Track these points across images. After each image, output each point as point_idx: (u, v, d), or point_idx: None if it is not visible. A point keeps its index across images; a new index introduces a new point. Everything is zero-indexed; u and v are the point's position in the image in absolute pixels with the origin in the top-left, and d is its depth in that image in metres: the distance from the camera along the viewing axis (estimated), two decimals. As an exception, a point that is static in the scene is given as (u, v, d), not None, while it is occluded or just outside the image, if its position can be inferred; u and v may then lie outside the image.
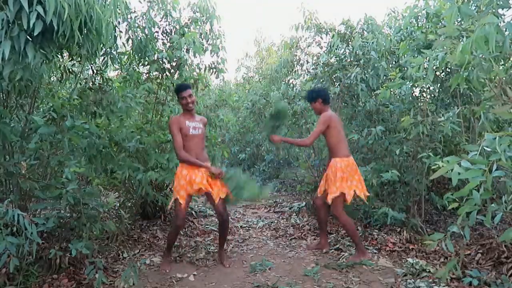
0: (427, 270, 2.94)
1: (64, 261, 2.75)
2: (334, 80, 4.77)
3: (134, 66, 4.19)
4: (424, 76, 3.28)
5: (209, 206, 5.42)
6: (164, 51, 3.99)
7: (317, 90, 3.62)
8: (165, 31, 4.14)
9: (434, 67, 3.24)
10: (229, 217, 3.44)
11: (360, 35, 4.53)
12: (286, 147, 7.89)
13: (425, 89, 4.07)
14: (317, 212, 3.69)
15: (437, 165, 1.79)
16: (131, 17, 3.53)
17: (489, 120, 2.90)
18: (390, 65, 4.39)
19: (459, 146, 3.87)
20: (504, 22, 2.22)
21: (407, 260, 3.15)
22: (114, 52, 3.50)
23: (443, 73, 3.84)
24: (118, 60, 3.63)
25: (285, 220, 4.89)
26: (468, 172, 1.58)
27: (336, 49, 4.68)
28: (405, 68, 3.94)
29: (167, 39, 4.15)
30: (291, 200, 6.20)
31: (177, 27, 4.10)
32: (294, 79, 6.24)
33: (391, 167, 3.88)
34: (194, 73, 4.41)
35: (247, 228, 4.61)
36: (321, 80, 4.84)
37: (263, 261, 3.33)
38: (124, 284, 2.74)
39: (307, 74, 5.68)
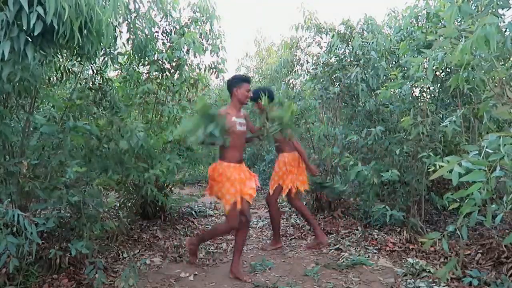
0: (427, 270, 2.94)
1: (64, 261, 2.75)
2: (334, 80, 4.77)
3: (134, 66, 4.19)
4: (424, 76, 3.28)
5: (210, 206, 5.43)
6: (164, 51, 3.99)
7: (263, 88, 3.67)
8: (165, 31, 4.14)
9: (434, 67, 3.23)
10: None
11: (360, 35, 4.53)
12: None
13: (425, 89, 4.07)
14: (299, 212, 3.79)
15: (436, 166, 1.79)
16: (130, 17, 3.53)
17: (491, 120, 2.90)
18: (390, 65, 4.39)
19: (459, 146, 3.86)
20: (504, 22, 2.22)
21: (407, 260, 3.15)
22: (114, 52, 3.50)
23: (443, 73, 3.84)
24: (118, 60, 3.62)
25: (285, 220, 4.89)
26: (471, 174, 1.58)
27: (336, 49, 4.68)
28: (405, 68, 3.94)
29: (167, 39, 4.15)
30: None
31: (177, 27, 4.10)
32: (294, 79, 6.24)
33: (391, 167, 3.88)
34: (194, 73, 4.40)
35: (247, 228, 4.61)
36: (321, 80, 4.84)
37: (263, 261, 3.33)
38: (124, 284, 2.74)
39: (307, 74, 5.68)
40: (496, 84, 2.38)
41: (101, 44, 2.40)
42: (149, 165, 3.50)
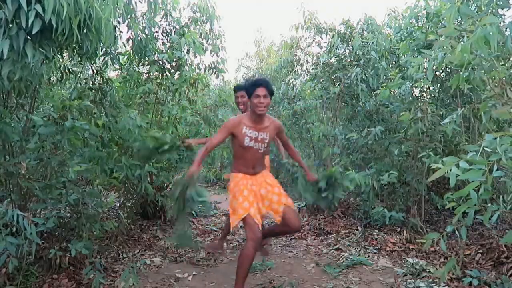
0: (427, 270, 2.94)
1: (64, 261, 2.75)
2: (334, 80, 4.77)
3: (134, 66, 4.19)
4: (424, 76, 3.28)
5: (210, 206, 5.42)
6: (164, 51, 3.99)
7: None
8: (165, 31, 4.14)
9: (434, 67, 3.23)
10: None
11: (360, 35, 4.53)
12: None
13: (425, 89, 4.07)
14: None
15: (436, 166, 1.79)
16: (130, 17, 3.53)
17: (490, 120, 2.90)
18: (390, 65, 4.39)
19: (459, 146, 3.87)
20: (504, 22, 2.22)
21: (407, 260, 3.15)
22: (114, 52, 3.50)
23: (443, 73, 3.84)
24: (118, 60, 3.62)
25: (285, 220, 4.88)
26: (469, 172, 1.58)
27: (336, 49, 4.68)
28: (405, 68, 3.94)
29: (167, 39, 4.15)
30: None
31: (177, 27, 4.10)
32: (294, 79, 6.24)
33: (391, 167, 3.88)
34: (194, 73, 4.41)
35: (247, 228, 4.61)
36: (321, 80, 4.84)
37: (263, 261, 3.33)
38: (124, 284, 2.74)
39: (307, 74, 5.68)
40: (496, 84, 2.38)
41: (101, 42, 2.40)
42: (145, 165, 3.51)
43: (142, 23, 3.70)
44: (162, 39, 4.16)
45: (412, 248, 3.50)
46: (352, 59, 4.57)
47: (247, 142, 2.60)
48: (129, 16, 3.30)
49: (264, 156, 2.80)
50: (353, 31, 4.75)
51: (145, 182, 3.49)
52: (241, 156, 2.69)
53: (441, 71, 3.79)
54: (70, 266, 2.83)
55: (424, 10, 3.81)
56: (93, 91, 3.60)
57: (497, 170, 1.58)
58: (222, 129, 2.63)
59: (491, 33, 1.71)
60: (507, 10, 2.26)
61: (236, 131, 2.60)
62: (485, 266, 2.96)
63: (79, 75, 3.77)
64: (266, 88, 2.57)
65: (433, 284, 2.72)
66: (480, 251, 3.16)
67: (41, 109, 4.12)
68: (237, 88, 3.51)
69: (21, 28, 1.93)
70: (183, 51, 4.00)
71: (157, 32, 4.04)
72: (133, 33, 3.60)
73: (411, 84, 3.66)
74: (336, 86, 4.64)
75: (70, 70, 3.72)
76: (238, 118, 2.66)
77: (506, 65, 3.12)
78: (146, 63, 4.02)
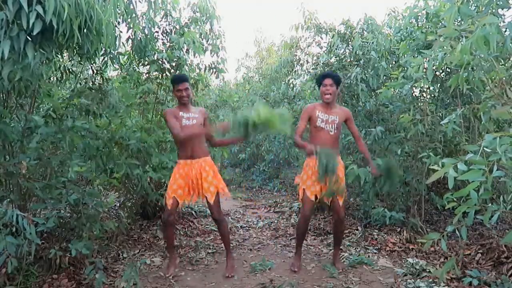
0: (427, 270, 2.94)
1: (64, 261, 2.75)
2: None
3: (134, 66, 4.19)
4: (424, 76, 3.28)
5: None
6: (164, 51, 3.99)
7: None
8: (165, 31, 4.14)
9: (434, 67, 3.23)
10: (224, 218, 3.20)
11: (360, 35, 4.53)
12: (286, 147, 7.89)
13: (425, 89, 4.07)
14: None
15: (435, 167, 1.79)
16: (130, 17, 3.53)
17: (490, 120, 2.89)
18: (390, 65, 4.39)
19: (459, 146, 3.87)
20: (504, 22, 2.22)
21: (407, 260, 3.15)
22: (114, 52, 3.50)
23: (443, 73, 3.84)
24: (118, 60, 3.62)
25: (285, 220, 4.89)
26: (469, 173, 1.58)
27: (336, 49, 4.68)
28: (405, 68, 3.94)
29: (167, 39, 4.15)
30: (291, 200, 6.20)
31: (177, 27, 4.10)
32: (294, 79, 6.25)
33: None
34: (194, 73, 4.40)
35: (247, 228, 4.61)
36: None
37: (263, 261, 3.33)
38: (124, 284, 2.74)
39: (307, 74, 5.69)
40: (496, 84, 2.38)
41: (101, 43, 2.40)
42: (146, 164, 3.50)
43: (142, 23, 3.70)
44: (162, 39, 4.16)
45: (412, 248, 3.51)
46: (352, 59, 4.57)
47: (319, 123, 3.06)
48: (129, 16, 3.30)
49: (337, 140, 3.14)
50: (353, 31, 4.75)
51: (145, 182, 3.49)
52: (315, 138, 3.10)
53: (441, 71, 3.79)
54: (70, 266, 2.83)
55: (423, 10, 3.81)
56: (93, 91, 3.60)
57: (497, 170, 1.58)
58: (302, 115, 3.12)
59: (490, 33, 1.70)
60: (507, 10, 2.26)
61: (312, 114, 3.08)
62: (485, 266, 2.96)
63: (79, 75, 3.77)
64: (331, 78, 3.02)
65: (433, 284, 2.72)
66: (480, 251, 3.16)
67: (41, 109, 4.12)
68: (180, 79, 3.02)
69: (22, 29, 1.93)
70: (183, 51, 4.00)
71: (157, 32, 4.04)
72: (133, 33, 3.60)
73: (411, 84, 3.66)
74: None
75: (70, 70, 3.72)
76: (313, 104, 3.15)
77: (506, 65, 3.12)
78: (146, 63, 4.02)
